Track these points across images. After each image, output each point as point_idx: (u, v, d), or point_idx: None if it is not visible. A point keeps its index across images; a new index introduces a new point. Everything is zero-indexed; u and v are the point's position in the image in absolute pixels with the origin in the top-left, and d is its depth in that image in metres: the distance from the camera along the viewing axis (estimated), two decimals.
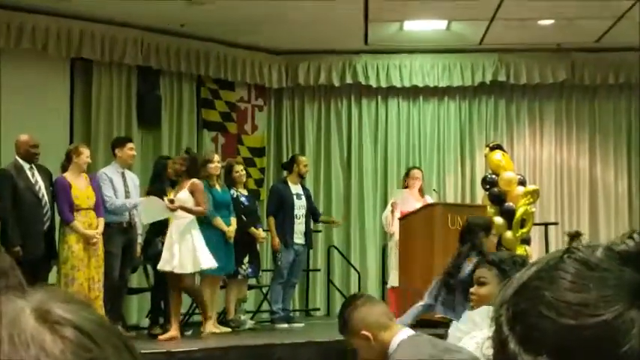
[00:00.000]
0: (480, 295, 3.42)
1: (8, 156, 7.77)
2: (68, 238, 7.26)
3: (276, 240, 8.79)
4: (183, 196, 7.54)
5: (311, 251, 11.28)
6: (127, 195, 8.01)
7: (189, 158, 7.77)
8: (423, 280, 7.07)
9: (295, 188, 9.09)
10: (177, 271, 7.39)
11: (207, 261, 7.49)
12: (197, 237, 7.49)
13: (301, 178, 9.27)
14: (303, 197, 9.10)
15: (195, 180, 7.63)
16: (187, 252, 7.40)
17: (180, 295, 7.62)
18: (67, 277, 7.24)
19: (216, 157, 8.45)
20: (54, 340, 0.73)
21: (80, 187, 7.46)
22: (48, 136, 8.44)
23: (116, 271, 7.74)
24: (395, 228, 9.06)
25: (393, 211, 9.14)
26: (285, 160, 11.39)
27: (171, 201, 7.48)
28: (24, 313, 0.74)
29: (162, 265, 7.47)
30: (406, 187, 9.31)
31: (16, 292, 0.79)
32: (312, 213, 9.24)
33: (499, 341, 0.81)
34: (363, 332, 2.96)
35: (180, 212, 7.47)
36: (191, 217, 7.52)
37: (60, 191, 7.38)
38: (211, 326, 7.99)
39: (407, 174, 9.45)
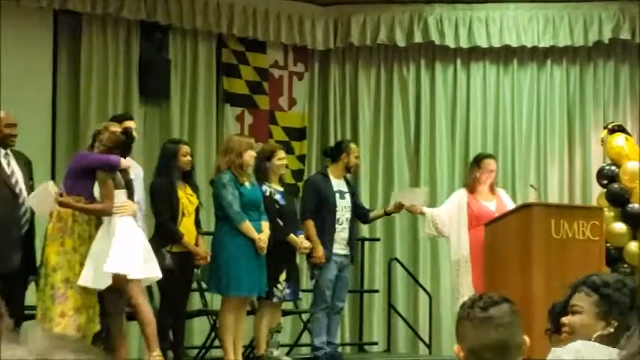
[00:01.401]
0: (572, 325, 3.49)
1: None
2: (65, 241, 7.35)
3: (320, 250, 8.83)
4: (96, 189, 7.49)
5: (366, 267, 11.32)
6: (128, 190, 8.09)
7: (125, 141, 7.59)
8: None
9: (338, 184, 9.13)
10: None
11: (116, 266, 7.27)
12: (118, 240, 7.33)
13: (348, 172, 9.34)
14: (348, 196, 9.14)
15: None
16: (99, 260, 7.31)
17: (140, 315, 7.62)
18: (55, 290, 7.31)
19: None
20: None
21: None
22: (25, 112, 8.56)
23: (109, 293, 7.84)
24: (446, 229, 8.93)
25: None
26: (332, 144, 11.43)
27: (61, 194, 7.38)
28: None
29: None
30: (472, 183, 9.08)
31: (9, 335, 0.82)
32: (358, 214, 9.25)
33: None
34: (456, 346, 3.12)
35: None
36: (121, 215, 7.41)
37: (88, 156, 7.48)
38: None
39: (478, 163, 9.17)
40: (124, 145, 7.52)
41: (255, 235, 8.17)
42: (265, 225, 8.33)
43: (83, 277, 7.27)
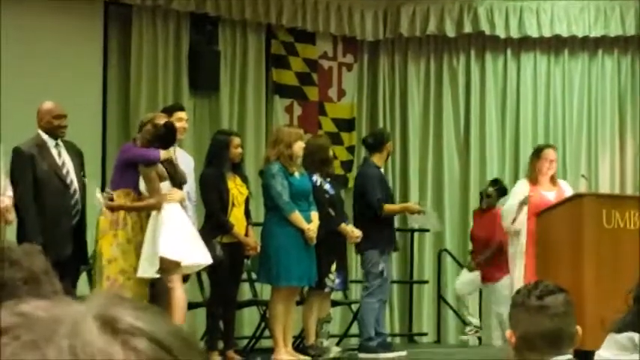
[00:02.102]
0: None
1: (29, 128, 7.97)
2: (118, 233, 7.40)
3: (413, 206, 9.45)
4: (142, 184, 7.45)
5: (416, 258, 11.31)
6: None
7: (165, 132, 7.46)
8: None
9: (383, 173, 9.37)
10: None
11: (170, 252, 7.25)
12: (167, 227, 7.29)
13: (386, 159, 9.55)
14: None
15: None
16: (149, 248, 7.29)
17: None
18: (112, 282, 7.35)
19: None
20: (125, 353, 0.78)
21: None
22: (75, 104, 8.63)
23: (161, 281, 7.88)
24: (520, 226, 8.92)
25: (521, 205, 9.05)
26: None
27: (111, 199, 7.37)
28: (85, 320, 0.79)
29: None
30: (534, 174, 9.08)
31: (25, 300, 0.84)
32: None
33: None
34: (508, 331, 3.14)
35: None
36: (168, 205, 7.36)
37: (129, 150, 7.58)
38: (285, 353, 8.08)
39: (538, 154, 9.19)
40: (164, 138, 7.52)
41: (304, 225, 8.17)
42: (315, 215, 8.33)
43: (139, 268, 7.34)
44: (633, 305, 3.65)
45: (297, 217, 8.17)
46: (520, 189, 9.10)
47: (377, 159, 9.17)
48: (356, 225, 8.86)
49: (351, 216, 9.04)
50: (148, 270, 7.33)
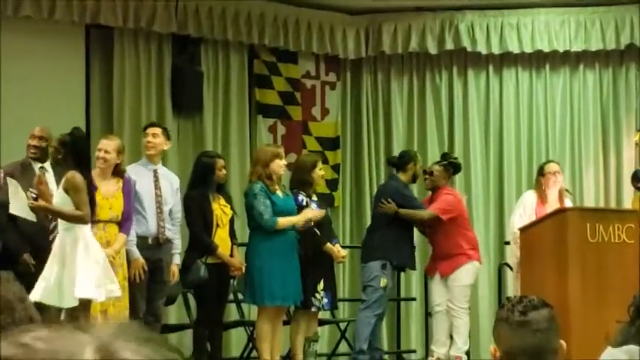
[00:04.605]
0: None
1: (18, 149, 8.00)
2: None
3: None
4: (59, 197, 7.00)
5: (403, 275, 11.31)
6: (158, 201, 8.12)
7: (71, 140, 7.13)
8: None
9: None
10: (36, 299, 6.52)
11: (86, 290, 6.76)
12: (82, 257, 6.81)
13: (413, 181, 9.67)
14: None
15: (70, 174, 6.94)
16: (62, 276, 6.79)
17: None
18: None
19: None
20: None
21: (106, 193, 7.57)
22: (58, 127, 8.61)
23: (142, 303, 7.85)
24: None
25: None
26: (365, 153, 11.44)
27: (35, 198, 6.99)
28: (84, 352, 0.82)
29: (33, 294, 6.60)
30: (540, 191, 9.20)
31: (26, 327, 0.85)
32: None
33: None
34: (492, 346, 3.13)
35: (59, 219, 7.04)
36: (81, 226, 6.91)
37: None
38: None
39: (541, 171, 9.39)
40: (74, 146, 7.12)
41: (294, 219, 8.22)
42: None
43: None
44: (634, 317, 3.62)
45: (282, 221, 8.19)
46: (528, 200, 9.20)
47: (402, 177, 9.34)
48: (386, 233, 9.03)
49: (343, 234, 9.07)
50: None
